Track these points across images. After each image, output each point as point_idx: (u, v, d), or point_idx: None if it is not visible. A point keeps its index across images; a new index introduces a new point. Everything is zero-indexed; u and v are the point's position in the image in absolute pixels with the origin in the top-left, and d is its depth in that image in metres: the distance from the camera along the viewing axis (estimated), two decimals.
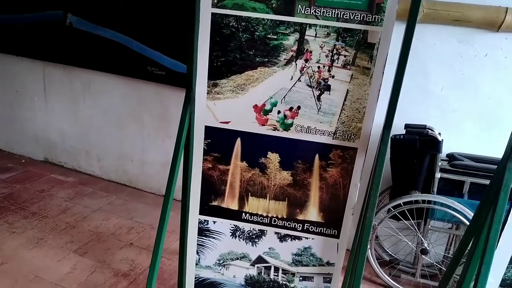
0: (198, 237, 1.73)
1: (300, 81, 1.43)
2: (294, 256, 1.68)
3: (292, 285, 1.72)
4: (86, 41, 2.82)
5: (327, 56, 1.39)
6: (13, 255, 2.22)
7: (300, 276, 1.70)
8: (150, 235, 2.52)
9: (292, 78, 1.43)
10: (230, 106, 1.51)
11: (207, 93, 1.51)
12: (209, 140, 1.59)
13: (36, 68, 3.18)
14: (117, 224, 2.63)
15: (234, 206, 1.66)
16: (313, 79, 1.42)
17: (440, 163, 1.99)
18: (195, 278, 1.79)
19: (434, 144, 1.96)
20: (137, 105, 2.91)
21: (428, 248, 2.10)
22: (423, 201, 2.02)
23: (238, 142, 1.57)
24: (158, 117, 2.87)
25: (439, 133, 2.00)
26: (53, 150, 3.41)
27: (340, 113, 1.44)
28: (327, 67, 1.40)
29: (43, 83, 3.21)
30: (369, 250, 2.17)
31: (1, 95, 3.45)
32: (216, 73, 1.47)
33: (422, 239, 2.10)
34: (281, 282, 1.72)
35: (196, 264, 1.77)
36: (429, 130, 1.99)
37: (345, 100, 1.42)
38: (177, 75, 2.62)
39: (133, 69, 2.76)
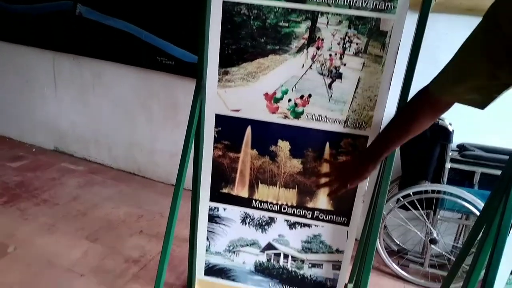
0: (208, 224, 1.75)
1: (312, 69, 1.43)
2: (303, 243, 1.69)
3: (301, 272, 1.74)
4: (96, 31, 2.83)
5: (339, 44, 1.38)
6: (26, 241, 2.26)
7: (309, 263, 1.72)
8: (159, 223, 2.55)
9: (303, 66, 1.43)
10: (240, 94, 1.52)
11: (218, 81, 1.51)
12: (220, 128, 1.60)
13: (46, 58, 3.21)
14: (127, 212, 2.66)
15: (244, 193, 1.68)
16: (324, 67, 1.41)
17: (450, 153, 1.98)
18: (205, 264, 1.82)
19: (445, 134, 1.95)
20: (146, 95, 2.93)
21: (437, 238, 2.10)
22: (433, 191, 2.02)
23: (249, 130, 1.58)
24: (167, 107, 2.88)
25: (450, 123, 1.99)
26: (63, 139, 3.45)
27: (352, 101, 1.43)
28: (339, 55, 1.39)
29: (53, 73, 3.23)
30: (378, 239, 2.18)
31: (12, 85, 3.48)
32: (227, 61, 1.48)
33: (432, 228, 2.11)
34: (290, 268, 1.74)
35: (206, 250, 1.79)
36: (440, 120, 1.98)
37: (356, 88, 1.42)
38: (186, 65, 2.62)
39: (142, 59, 2.77)
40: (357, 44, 1.37)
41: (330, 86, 1.43)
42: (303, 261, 1.72)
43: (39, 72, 3.30)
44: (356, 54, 1.38)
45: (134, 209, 2.70)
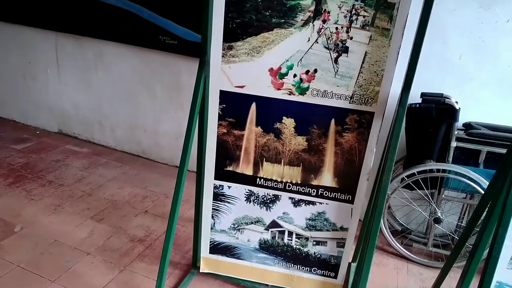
0: (213, 202, 1.75)
1: (317, 43, 1.40)
2: (308, 220, 1.70)
3: (305, 249, 1.75)
4: (98, 10, 2.80)
5: (345, 16, 1.36)
6: (33, 221, 2.28)
7: (314, 241, 1.72)
8: (164, 203, 2.56)
9: (309, 40, 1.41)
10: (245, 70, 1.50)
11: (222, 56, 1.49)
12: (224, 105, 1.58)
13: (48, 38, 3.18)
14: (131, 192, 2.67)
15: (249, 171, 1.67)
16: (330, 41, 1.39)
17: (456, 132, 1.97)
18: (210, 241, 1.83)
19: (451, 112, 1.93)
20: (149, 76, 2.90)
21: (441, 217, 2.10)
22: (438, 170, 2.01)
23: (253, 107, 1.56)
24: (170, 87, 2.86)
25: (456, 102, 1.96)
26: (67, 121, 3.44)
27: (358, 76, 1.41)
28: (345, 28, 1.37)
29: (55, 54, 3.21)
30: (382, 219, 2.18)
31: (14, 67, 3.46)
32: (231, 36, 1.45)
33: (436, 208, 2.10)
34: (294, 246, 1.75)
35: (211, 228, 1.80)
36: (446, 99, 1.96)
37: (363, 62, 1.39)
38: (190, 44, 2.59)
39: (144, 38, 2.74)
40: (364, 16, 1.34)
41: (336, 60, 1.41)
42: (307, 239, 1.73)
43: (41, 53, 3.27)
44: (363, 27, 1.36)
45: (139, 190, 2.71)
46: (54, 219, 2.31)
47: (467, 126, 2.06)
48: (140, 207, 2.52)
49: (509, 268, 1.36)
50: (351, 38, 1.37)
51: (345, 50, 1.39)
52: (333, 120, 1.51)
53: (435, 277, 1.96)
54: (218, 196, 1.74)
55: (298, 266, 1.79)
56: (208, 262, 1.88)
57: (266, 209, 1.72)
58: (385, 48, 1.36)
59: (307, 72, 1.45)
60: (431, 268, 2.18)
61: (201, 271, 1.90)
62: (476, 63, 2.06)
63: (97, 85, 3.16)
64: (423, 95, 2.03)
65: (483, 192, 1.88)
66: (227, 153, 1.66)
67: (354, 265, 1.98)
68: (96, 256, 2.03)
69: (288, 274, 1.81)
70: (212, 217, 1.79)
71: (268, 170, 1.65)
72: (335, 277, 1.77)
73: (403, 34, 1.33)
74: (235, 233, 1.79)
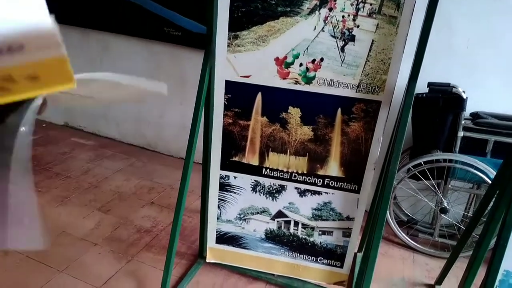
0: (219, 192, 1.76)
1: (324, 31, 1.39)
2: (313, 210, 1.70)
3: (311, 239, 1.75)
4: (102, 2, 2.79)
5: (352, 4, 1.34)
6: (40, 212, 2.30)
7: (320, 230, 1.73)
8: (170, 195, 2.58)
9: (315, 29, 1.39)
10: (250, 59, 1.49)
11: (228, 45, 1.49)
12: (230, 95, 1.58)
13: None
14: (137, 184, 2.69)
15: (254, 161, 1.67)
16: (337, 29, 1.38)
17: (463, 122, 1.95)
18: (216, 232, 1.84)
19: (458, 101, 1.91)
20: (154, 68, 2.90)
21: (447, 207, 2.10)
22: (445, 160, 2.00)
23: (259, 96, 1.56)
24: (175, 79, 2.86)
25: (464, 91, 1.94)
26: (73, 114, 3.46)
27: (365, 65, 1.40)
28: (352, 16, 1.35)
29: None
30: (388, 209, 2.18)
31: None
32: (236, 25, 1.45)
33: (442, 198, 2.10)
34: (300, 236, 1.76)
35: (218, 218, 1.81)
36: (453, 88, 1.94)
37: (370, 51, 1.38)
38: (194, 36, 2.58)
39: (149, 30, 2.73)
40: (371, 4, 1.33)
41: (342, 49, 1.40)
42: (313, 228, 1.73)
43: None
44: (369, 15, 1.34)
45: (145, 182, 2.73)
46: (62, 211, 2.33)
47: (474, 116, 2.04)
48: (147, 198, 2.53)
49: None
50: (358, 26, 1.36)
51: (352, 38, 1.38)
52: (339, 110, 1.50)
53: (441, 267, 1.96)
54: (224, 187, 1.75)
55: (304, 255, 1.79)
56: (214, 252, 1.89)
57: (272, 199, 1.72)
58: (392, 36, 1.35)
59: (313, 61, 1.44)
60: (437, 258, 2.18)
61: (207, 261, 1.91)
62: (484, 52, 2.03)
63: None
64: (430, 84, 2.02)
65: (490, 182, 1.88)
66: (233, 144, 1.66)
67: (360, 255, 1.99)
68: (103, 247, 2.05)
69: (294, 263, 1.82)
70: (218, 207, 1.79)
71: (274, 160, 1.65)
72: (341, 266, 1.78)
73: (410, 21, 1.31)
74: (241, 223, 1.80)
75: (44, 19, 0.25)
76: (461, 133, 1.96)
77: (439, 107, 1.94)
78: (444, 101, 1.92)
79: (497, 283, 1.35)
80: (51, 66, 0.29)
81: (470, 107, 2.01)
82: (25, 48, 0.25)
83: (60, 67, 0.30)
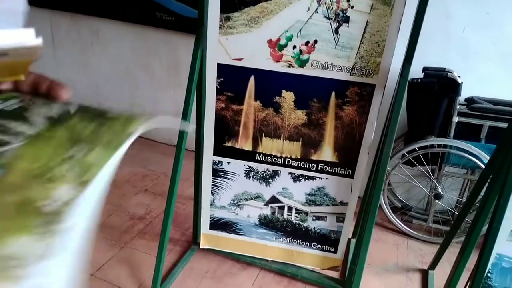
0: (212, 178, 1.74)
1: (317, 12, 1.36)
2: (307, 196, 1.69)
3: (305, 224, 1.74)
4: None
5: None
6: None
7: (313, 216, 1.72)
8: (164, 182, 2.56)
9: (308, 10, 1.36)
10: (243, 42, 1.46)
11: (219, 27, 1.45)
12: (222, 79, 1.55)
13: (43, 17, 3.11)
14: (131, 171, 2.67)
15: (248, 146, 1.65)
16: (331, 10, 1.35)
17: (458, 107, 1.94)
18: (210, 218, 1.83)
19: (453, 86, 1.89)
20: (146, 54, 2.85)
21: (441, 193, 2.10)
22: (439, 146, 1.99)
23: (252, 80, 1.53)
24: (168, 65, 2.82)
25: (459, 76, 1.93)
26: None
27: (359, 47, 1.38)
28: None
29: (50, 32, 3.15)
30: (382, 195, 2.18)
31: None
32: (228, 6, 1.41)
33: (436, 184, 2.09)
34: (294, 221, 1.75)
35: (211, 205, 1.80)
36: (448, 73, 1.92)
37: (364, 32, 1.36)
38: (187, 20, 2.54)
39: (141, 15, 2.67)
40: None
41: (336, 31, 1.37)
42: (307, 214, 1.73)
43: (36, 31, 3.20)
44: None
45: (139, 169, 2.71)
46: None
47: (469, 101, 2.03)
48: (140, 185, 2.52)
49: (510, 240, 1.36)
50: (352, 7, 1.33)
51: (346, 19, 1.35)
52: (333, 93, 1.48)
53: (435, 252, 1.97)
54: (217, 172, 1.73)
55: (298, 241, 1.79)
56: (208, 238, 1.88)
57: (266, 185, 1.71)
58: (387, 17, 1.32)
59: (306, 43, 1.41)
60: (430, 244, 2.19)
61: (201, 247, 1.91)
62: (480, 37, 2.01)
63: (93, 64, 3.11)
64: (425, 69, 2.00)
65: (484, 167, 1.87)
66: (226, 129, 1.64)
67: (353, 241, 1.99)
68: (97, 233, 2.04)
69: (288, 249, 1.81)
70: (212, 193, 1.78)
71: (268, 145, 1.63)
72: (335, 251, 1.78)
73: (405, 1, 1.29)
74: (234, 209, 1.79)
75: (28, 40, 0.35)
76: (456, 118, 1.95)
77: (434, 92, 1.92)
78: (439, 86, 1.91)
79: (489, 266, 1.36)
80: (19, 64, 0.39)
81: (465, 92, 2.00)
82: (8, 55, 0.34)
83: (24, 66, 0.40)
